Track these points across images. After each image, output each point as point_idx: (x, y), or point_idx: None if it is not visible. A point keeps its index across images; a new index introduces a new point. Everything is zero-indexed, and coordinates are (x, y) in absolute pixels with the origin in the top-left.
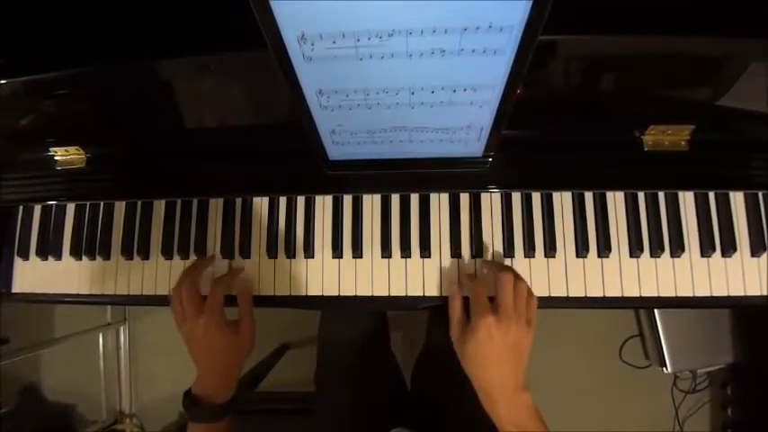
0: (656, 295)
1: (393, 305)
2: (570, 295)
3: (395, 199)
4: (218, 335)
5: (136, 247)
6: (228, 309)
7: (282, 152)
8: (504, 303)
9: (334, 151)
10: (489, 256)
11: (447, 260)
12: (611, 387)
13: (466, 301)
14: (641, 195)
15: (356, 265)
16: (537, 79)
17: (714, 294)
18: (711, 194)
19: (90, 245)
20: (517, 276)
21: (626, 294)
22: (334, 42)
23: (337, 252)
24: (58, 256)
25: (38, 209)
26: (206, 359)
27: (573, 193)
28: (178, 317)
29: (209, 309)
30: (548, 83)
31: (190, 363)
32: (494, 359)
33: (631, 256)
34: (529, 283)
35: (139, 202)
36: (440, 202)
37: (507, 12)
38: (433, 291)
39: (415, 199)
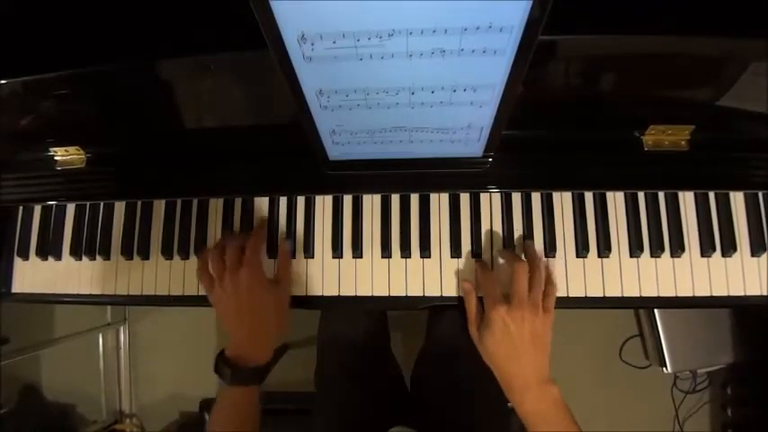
0: (656, 295)
1: (393, 305)
2: (570, 295)
3: (395, 199)
4: (260, 287)
5: (136, 247)
6: None
7: (282, 152)
8: (517, 293)
9: (334, 151)
10: (489, 256)
11: (447, 260)
12: (611, 387)
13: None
14: (641, 195)
15: (356, 265)
16: (537, 79)
17: (714, 294)
18: (711, 194)
19: (90, 245)
20: (534, 265)
21: (626, 294)
22: (334, 42)
23: (337, 252)
24: (58, 256)
25: (38, 209)
26: (245, 317)
27: (573, 193)
28: (216, 274)
29: (248, 260)
30: (548, 83)
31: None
32: (513, 351)
33: (631, 256)
34: None
35: (139, 202)
36: (440, 202)
37: (507, 12)
38: (433, 291)
39: (415, 199)
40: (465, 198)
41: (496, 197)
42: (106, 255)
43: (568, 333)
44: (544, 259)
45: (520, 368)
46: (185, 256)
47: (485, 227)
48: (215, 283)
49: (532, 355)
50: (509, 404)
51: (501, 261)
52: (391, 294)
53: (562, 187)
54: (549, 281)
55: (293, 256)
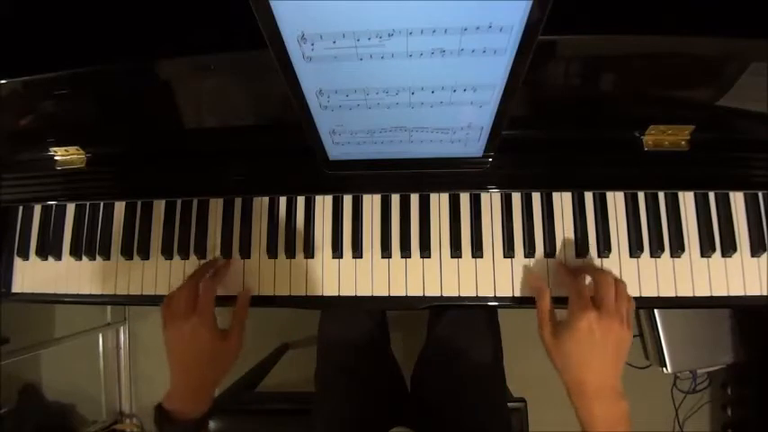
0: (656, 295)
1: (393, 305)
2: None
3: (395, 199)
4: (206, 338)
5: (136, 247)
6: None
7: (282, 152)
8: (607, 300)
9: (335, 151)
10: (489, 256)
11: (447, 260)
12: None
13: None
14: (641, 195)
15: (356, 266)
16: (537, 79)
17: (714, 294)
18: (711, 194)
19: (90, 245)
20: (618, 280)
21: None
22: (334, 42)
23: (337, 252)
24: (58, 256)
25: (38, 209)
26: (187, 364)
27: (573, 193)
28: (168, 316)
29: (201, 307)
30: (548, 83)
31: None
32: (593, 357)
33: (631, 256)
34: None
35: (139, 202)
36: (440, 202)
37: (507, 12)
38: (433, 291)
39: (415, 199)
40: (465, 198)
41: (496, 197)
42: (106, 255)
43: None
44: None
45: (595, 375)
46: (185, 256)
47: (485, 227)
48: (168, 323)
49: (612, 364)
50: (510, 404)
51: (555, 271)
52: (391, 294)
53: (562, 187)
54: (629, 296)
55: (253, 295)
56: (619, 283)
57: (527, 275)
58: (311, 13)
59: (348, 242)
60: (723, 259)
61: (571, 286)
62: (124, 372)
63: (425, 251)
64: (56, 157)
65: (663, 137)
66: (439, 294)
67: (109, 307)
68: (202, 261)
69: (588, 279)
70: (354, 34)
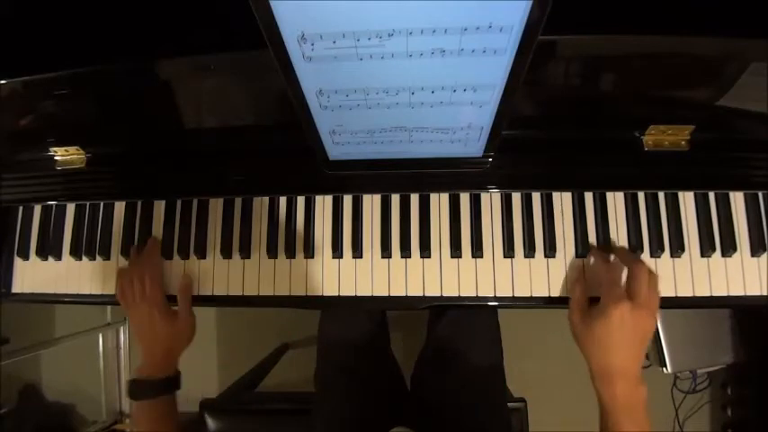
0: None
1: (393, 305)
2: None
3: (395, 199)
4: (160, 319)
5: (136, 247)
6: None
7: (282, 152)
8: (641, 292)
9: (335, 151)
10: (489, 256)
11: (447, 260)
12: None
13: None
14: (641, 195)
15: (356, 265)
16: (537, 79)
17: (714, 294)
18: (711, 194)
19: (90, 245)
20: (650, 270)
21: None
22: (334, 42)
23: (337, 252)
24: (58, 256)
25: (38, 209)
26: (148, 341)
27: (573, 193)
28: (124, 303)
29: (149, 294)
30: (548, 83)
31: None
32: (622, 344)
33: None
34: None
35: (139, 203)
36: (440, 202)
37: (507, 12)
38: (433, 291)
39: (415, 199)
40: (465, 198)
41: (496, 197)
42: (106, 255)
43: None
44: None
45: (621, 360)
46: (185, 256)
47: (485, 227)
48: (127, 309)
49: (637, 351)
50: (510, 404)
51: (592, 260)
52: (391, 294)
53: (562, 187)
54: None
55: (195, 292)
56: (652, 276)
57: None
58: (311, 13)
59: (348, 242)
60: (723, 259)
61: (606, 275)
62: (124, 372)
63: (425, 251)
64: (56, 157)
65: (663, 137)
66: (439, 294)
67: (109, 307)
68: (202, 261)
69: (622, 269)
70: (354, 34)
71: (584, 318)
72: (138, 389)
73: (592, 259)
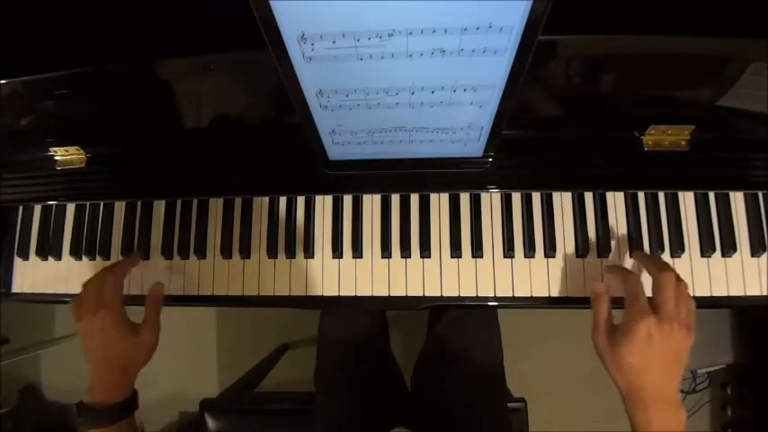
0: None
1: (393, 305)
2: (570, 295)
3: (395, 199)
4: (115, 332)
5: (136, 247)
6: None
7: (282, 152)
8: (667, 305)
9: (335, 151)
10: (489, 256)
11: (447, 260)
12: (612, 387)
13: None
14: (641, 195)
15: (356, 265)
16: (537, 79)
17: (714, 294)
18: (711, 194)
19: (90, 245)
20: (678, 275)
21: None
22: (334, 42)
23: (337, 252)
24: (58, 256)
25: (38, 209)
26: (101, 357)
27: (573, 193)
28: (77, 310)
29: (107, 302)
30: (548, 83)
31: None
32: (651, 364)
33: (631, 256)
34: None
35: (139, 202)
36: (440, 202)
37: (507, 12)
38: (433, 291)
39: (415, 199)
40: (465, 198)
41: (496, 197)
42: (106, 255)
43: (569, 333)
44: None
45: (654, 382)
46: (185, 256)
47: (485, 227)
48: (78, 319)
49: (670, 372)
50: (510, 404)
51: (613, 270)
52: (391, 294)
53: (562, 187)
54: (689, 295)
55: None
56: (680, 284)
57: (588, 281)
58: (311, 13)
59: (348, 242)
60: (723, 259)
61: (628, 287)
62: None
63: (425, 251)
64: (56, 157)
65: (663, 137)
66: (439, 294)
67: None
68: (202, 261)
69: (646, 277)
70: (354, 34)
71: (607, 337)
72: (90, 416)
73: (611, 274)
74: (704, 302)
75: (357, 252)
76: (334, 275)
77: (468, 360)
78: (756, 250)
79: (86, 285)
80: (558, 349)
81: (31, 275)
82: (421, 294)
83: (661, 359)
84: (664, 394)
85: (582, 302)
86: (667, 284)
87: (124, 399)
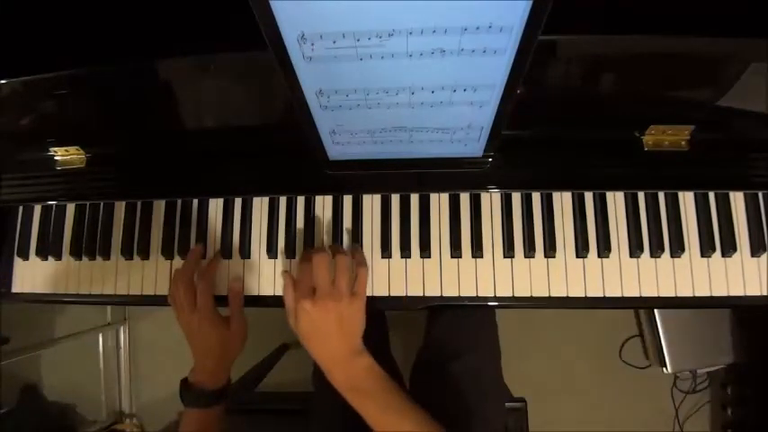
0: (655, 295)
1: (393, 305)
2: (570, 295)
3: (395, 199)
4: (210, 330)
5: (136, 247)
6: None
7: (282, 152)
8: (319, 285)
9: (334, 151)
10: (489, 257)
11: (447, 260)
12: (611, 387)
13: None
14: (641, 195)
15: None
16: (537, 79)
17: (714, 294)
18: (711, 194)
19: (90, 245)
20: (337, 253)
21: (626, 294)
22: (334, 42)
23: None
24: (58, 256)
25: (38, 209)
26: (200, 350)
27: (573, 194)
28: (177, 307)
29: (200, 307)
30: (548, 83)
31: (190, 363)
32: (319, 337)
33: (631, 256)
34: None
35: (139, 202)
36: (440, 202)
37: (507, 12)
38: (433, 291)
39: (415, 199)
40: (465, 198)
41: (496, 197)
42: (106, 255)
43: (568, 333)
44: (356, 244)
45: (327, 349)
46: (185, 256)
47: (485, 227)
48: (178, 317)
49: (338, 335)
50: (510, 404)
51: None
52: (391, 294)
53: (562, 187)
54: (360, 264)
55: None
56: (338, 260)
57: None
58: (311, 13)
59: (348, 242)
60: (723, 259)
61: (297, 277)
62: (124, 372)
63: (425, 251)
64: (56, 157)
65: (663, 137)
66: (439, 294)
67: (109, 307)
68: (202, 261)
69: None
70: (354, 34)
71: (294, 322)
72: (190, 394)
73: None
74: (704, 302)
75: None
76: None
77: (464, 360)
78: (756, 250)
79: (179, 285)
80: (558, 349)
81: (31, 275)
82: (421, 294)
83: (326, 330)
84: (337, 356)
85: (582, 303)
86: (318, 264)
87: (221, 386)
